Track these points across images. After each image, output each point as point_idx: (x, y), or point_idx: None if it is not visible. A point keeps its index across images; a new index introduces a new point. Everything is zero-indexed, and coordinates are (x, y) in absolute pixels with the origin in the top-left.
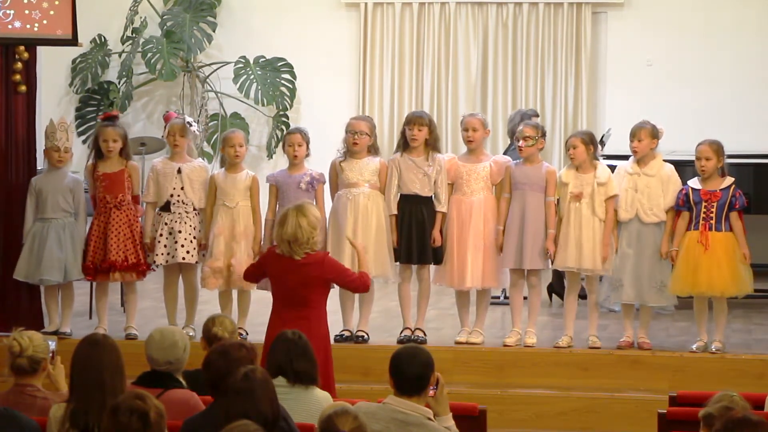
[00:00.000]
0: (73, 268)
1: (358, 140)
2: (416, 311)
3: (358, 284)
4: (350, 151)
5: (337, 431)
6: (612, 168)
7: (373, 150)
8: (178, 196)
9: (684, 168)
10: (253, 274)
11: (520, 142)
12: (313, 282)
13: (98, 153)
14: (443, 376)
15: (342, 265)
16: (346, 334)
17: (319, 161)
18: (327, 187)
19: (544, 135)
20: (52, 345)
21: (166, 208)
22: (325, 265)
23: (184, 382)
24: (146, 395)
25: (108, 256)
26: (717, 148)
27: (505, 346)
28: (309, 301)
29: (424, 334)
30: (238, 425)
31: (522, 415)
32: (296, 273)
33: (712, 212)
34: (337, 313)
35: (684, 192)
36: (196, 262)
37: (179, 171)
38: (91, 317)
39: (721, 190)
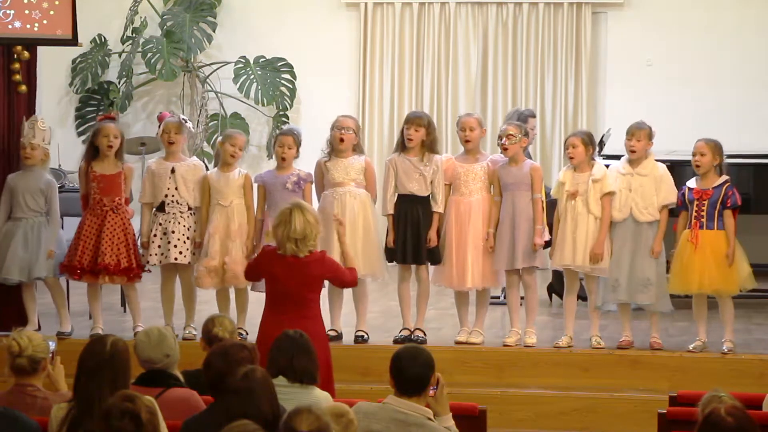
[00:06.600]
0: (36, 268)
1: (344, 136)
2: (416, 311)
3: (350, 279)
4: (335, 149)
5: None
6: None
7: (357, 149)
8: (173, 196)
9: (683, 168)
10: (252, 273)
11: (503, 140)
12: (314, 281)
13: (93, 152)
14: (443, 376)
15: (337, 261)
16: (333, 333)
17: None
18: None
19: (526, 134)
20: (52, 345)
21: (160, 208)
22: (325, 263)
23: (182, 378)
24: (135, 395)
25: (102, 258)
26: (713, 145)
27: (505, 346)
28: (308, 301)
29: (424, 334)
30: (238, 425)
31: (522, 415)
32: (299, 272)
33: (703, 210)
34: (326, 313)
35: (682, 192)
36: (189, 263)
37: (173, 171)
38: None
39: (713, 188)
